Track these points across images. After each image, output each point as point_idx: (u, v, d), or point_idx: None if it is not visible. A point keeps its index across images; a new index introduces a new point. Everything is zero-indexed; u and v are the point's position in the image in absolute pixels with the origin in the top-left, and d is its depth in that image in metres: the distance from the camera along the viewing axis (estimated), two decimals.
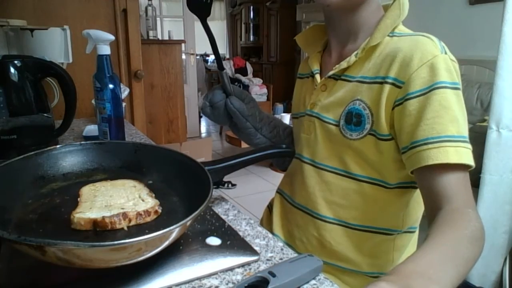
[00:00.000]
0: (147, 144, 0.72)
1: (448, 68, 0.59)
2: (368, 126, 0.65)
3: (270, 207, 0.92)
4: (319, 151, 0.73)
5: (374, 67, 0.65)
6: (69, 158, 0.67)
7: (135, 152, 0.69)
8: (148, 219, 0.55)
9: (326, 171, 0.73)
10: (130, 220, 0.53)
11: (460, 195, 0.56)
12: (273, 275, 0.48)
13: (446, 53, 0.60)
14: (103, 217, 0.52)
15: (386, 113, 0.63)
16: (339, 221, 0.72)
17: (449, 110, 0.57)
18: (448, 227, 0.51)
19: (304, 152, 0.77)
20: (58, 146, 0.66)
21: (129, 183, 0.62)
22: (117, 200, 0.57)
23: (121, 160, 0.69)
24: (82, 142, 0.68)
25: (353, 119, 0.66)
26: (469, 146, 0.58)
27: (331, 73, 0.70)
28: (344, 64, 0.68)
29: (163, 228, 0.44)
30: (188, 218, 0.46)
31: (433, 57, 0.59)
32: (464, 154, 0.57)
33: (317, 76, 0.75)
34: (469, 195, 0.58)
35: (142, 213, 0.55)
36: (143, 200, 0.58)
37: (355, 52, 0.67)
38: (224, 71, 0.79)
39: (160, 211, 0.57)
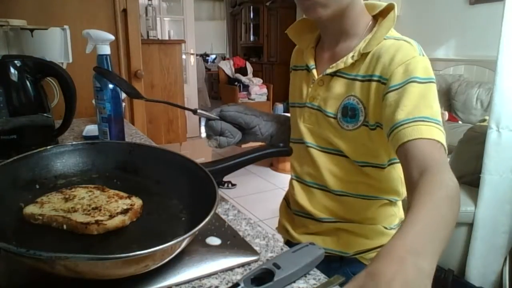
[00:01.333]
0: (142, 144, 0.71)
1: (424, 67, 0.67)
2: (362, 118, 0.73)
3: (286, 199, 0.96)
4: (322, 139, 0.80)
5: (364, 66, 0.73)
6: (60, 160, 0.65)
7: (130, 153, 0.68)
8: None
9: (331, 154, 0.79)
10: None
11: (434, 160, 0.58)
12: (278, 267, 0.49)
13: (423, 55, 0.69)
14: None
15: (375, 107, 0.70)
16: (346, 193, 0.79)
17: (424, 99, 0.64)
18: (426, 194, 0.52)
19: (307, 139, 0.82)
20: (48, 147, 0.64)
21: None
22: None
23: (115, 161, 0.68)
24: (74, 143, 0.67)
25: (348, 112, 0.74)
26: (442, 129, 0.62)
27: (328, 71, 0.77)
28: (341, 65, 0.75)
29: (169, 234, 0.45)
30: (197, 228, 0.46)
31: (411, 57, 0.67)
32: (436, 132, 0.60)
33: (314, 71, 0.81)
34: (443, 160, 0.59)
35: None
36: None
37: (351, 55, 0.74)
38: (198, 111, 0.80)
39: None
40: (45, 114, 1.01)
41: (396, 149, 0.64)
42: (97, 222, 0.52)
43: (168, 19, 5.18)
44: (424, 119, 0.62)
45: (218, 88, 6.45)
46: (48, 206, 0.55)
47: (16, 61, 0.94)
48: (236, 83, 5.28)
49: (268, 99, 5.23)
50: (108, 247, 0.51)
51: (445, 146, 0.61)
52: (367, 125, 0.73)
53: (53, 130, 1.03)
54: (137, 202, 0.59)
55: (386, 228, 0.81)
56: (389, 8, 0.74)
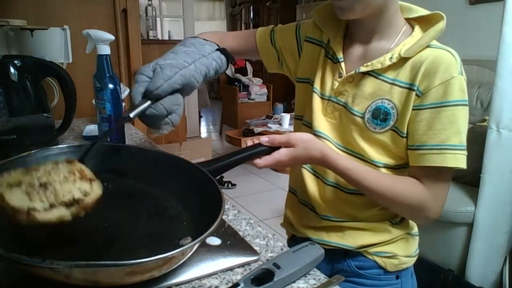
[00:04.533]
0: (131, 146, 0.70)
1: (461, 88, 0.68)
2: (392, 123, 0.73)
3: (292, 190, 0.93)
4: (343, 137, 0.78)
5: (404, 72, 0.71)
6: None
7: (119, 155, 0.67)
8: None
9: (348, 154, 0.78)
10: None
11: (434, 188, 0.71)
12: (278, 267, 0.49)
13: (462, 73, 0.69)
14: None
15: (408, 115, 0.71)
16: (358, 192, 0.77)
17: (455, 125, 0.68)
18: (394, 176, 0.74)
19: (327, 132, 0.80)
20: (32, 151, 0.61)
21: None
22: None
23: (104, 163, 0.65)
24: (60, 146, 0.65)
25: (380, 115, 0.73)
26: (465, 152, 0.69)
27: (362, 69, 0.74)
28: (377, 65, 0.72)
29: (175, 237, 0.45)
30: (210, 230, 0.46)
31: (451, 78, 0.67)
32: (459, 159, 0.68)
33: (343, 65, 0.78)
34: (440, 190, 0.71)
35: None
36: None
37: (389, 56, 0.72)
38: (130, 115, 0.61)
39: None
40: (45, 114, 1.00)
41: (416, 164, 0.71)
42: (28, 211, 0.44)
43: (168, 19, 5.18)
44: (451, 147, 0.68)
45: (218, 88, 6.45)
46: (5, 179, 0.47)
47: (16, 61, 0.94)
48: (236, 83, 5.27)
49: (268, 99, 5.23)
50: (115, 252, 0.50)
51: (464, 166, 0.68)
52: (396, 131, 0.73)
53: (53, 130, 1.03)
54: (94, 192, 0.50)
55: (392, 222, 0.80)
56: (435, 17, 0.73)
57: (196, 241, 0.45)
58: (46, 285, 0.47)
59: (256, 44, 0.91)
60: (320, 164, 0.72)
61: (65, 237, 0.51)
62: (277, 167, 0.70)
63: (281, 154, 0.68)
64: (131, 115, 0.60)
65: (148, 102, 0.61)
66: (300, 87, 0.87)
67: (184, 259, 0.47)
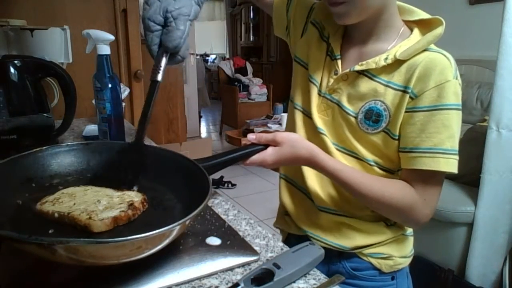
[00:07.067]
0: (134, 144, 0.72)
1: (455, 92, 0.68)
2: (384, 125, 0.73)
3: (290, 180, 0.91)
4: (337, 135, 0.78)
5: (399, 75, 0.72)
6: (55, 160, 0.66)
7: (124, 152, 0.68)
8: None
9: (341, 152, 0.78)
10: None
11: (425, 193, 0.70)
12: (278, 267, 0.49)
13: (457, 78, 0.69)
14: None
15: (401, 118, 0.71)
16: None
17: (448, 128, 0.68)
18: (383, 178, 0.73)
19: (322, 127, 0.79)
20: (44, 148, 0.65)
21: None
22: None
23: (110, 160, 0.68)
24: (69, 143, 0.67)
25: (372, 116, 0.73)
26: (457, 156, 0.69)
27: (357, 68, 0.74)
28: (372, 65, 0.73)
29: (164, 226, 0.44)
30: (188, 217, 0.47)
31: (445, 81, 0.67)
32: (451, 164, 0.68)
33: (339, 63, 0.78)
34: (431, 194, 0.71)
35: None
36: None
37: (384, 57, 0.72)
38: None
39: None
40: (45, 114, 1.00)
41: (408, 166, 0.70)
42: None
43: None
44: (444, 152, 0.68)
45: (218, 88, 6.45)
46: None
47: (16, 61, 0.94)
48: (236, 83, 5.28)
49: (268, 99, 5.23)
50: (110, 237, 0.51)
51: (455, 171, 0.68)
52: (388, 133, 0.73)
53: (53, 130, 1.03)
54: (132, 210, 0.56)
55: (386, 224, 0.80)
56: (435, 22, 0.72)
57: (174, 225, 0.45)
58: (46, 285, 0.48)
59: (273, 3, 0.91)
60: (307, 165, 0.73)
61: (65, 226, 0.52)
62: (264, 166, 0.70)
63: (267, 153, 0.69)
64: (159, 79, 0.63)
65: (166, 57, 0.64)
66: (297, 69, 0.86)
67: (164, 243, 0.48)
